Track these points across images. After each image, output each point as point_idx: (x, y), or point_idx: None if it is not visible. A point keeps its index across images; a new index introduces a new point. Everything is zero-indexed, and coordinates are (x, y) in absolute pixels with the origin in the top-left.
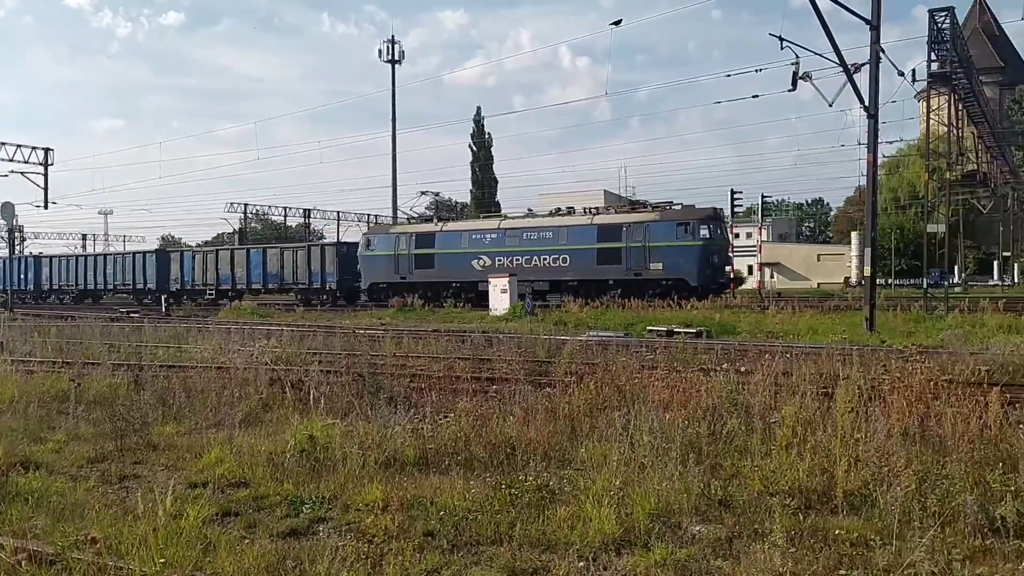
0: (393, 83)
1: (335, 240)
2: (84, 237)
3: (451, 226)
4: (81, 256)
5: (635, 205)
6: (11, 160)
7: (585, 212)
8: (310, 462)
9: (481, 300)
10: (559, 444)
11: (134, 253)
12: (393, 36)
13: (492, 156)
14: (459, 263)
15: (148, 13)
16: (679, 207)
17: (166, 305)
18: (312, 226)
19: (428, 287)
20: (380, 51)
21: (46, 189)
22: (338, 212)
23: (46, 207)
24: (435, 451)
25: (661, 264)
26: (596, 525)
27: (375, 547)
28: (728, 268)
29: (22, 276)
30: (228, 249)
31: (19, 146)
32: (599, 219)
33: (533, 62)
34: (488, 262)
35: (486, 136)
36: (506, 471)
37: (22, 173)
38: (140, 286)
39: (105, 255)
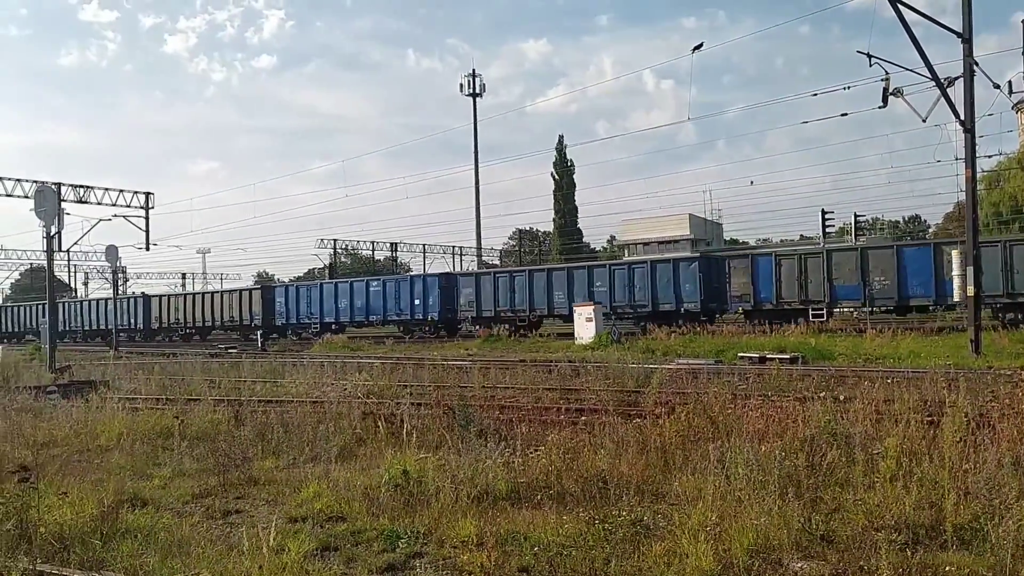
0: (475, 116)
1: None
2: (184, 276)
3: None
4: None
5: None
6: (114, 204)
7: None
8: (404, 496)
9: None
10: (652, 477)
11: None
12: (474, 70)
13: (574, 184)
14: None
15: (241, 57)
16: None
17: (263, 341)
18: (399, 259)
19: None
20: (462, 85)
21: (147, 231)
22: (423, 245)
23: (147, 248)
24: (527, 484)
25: None
26: (693, 561)
27: None
28: None
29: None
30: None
31: (121, 191)
32: None
33: (616, 87)
34: None
35: (568, 164)
36: (599, 505)
37: (125, 217)
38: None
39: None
